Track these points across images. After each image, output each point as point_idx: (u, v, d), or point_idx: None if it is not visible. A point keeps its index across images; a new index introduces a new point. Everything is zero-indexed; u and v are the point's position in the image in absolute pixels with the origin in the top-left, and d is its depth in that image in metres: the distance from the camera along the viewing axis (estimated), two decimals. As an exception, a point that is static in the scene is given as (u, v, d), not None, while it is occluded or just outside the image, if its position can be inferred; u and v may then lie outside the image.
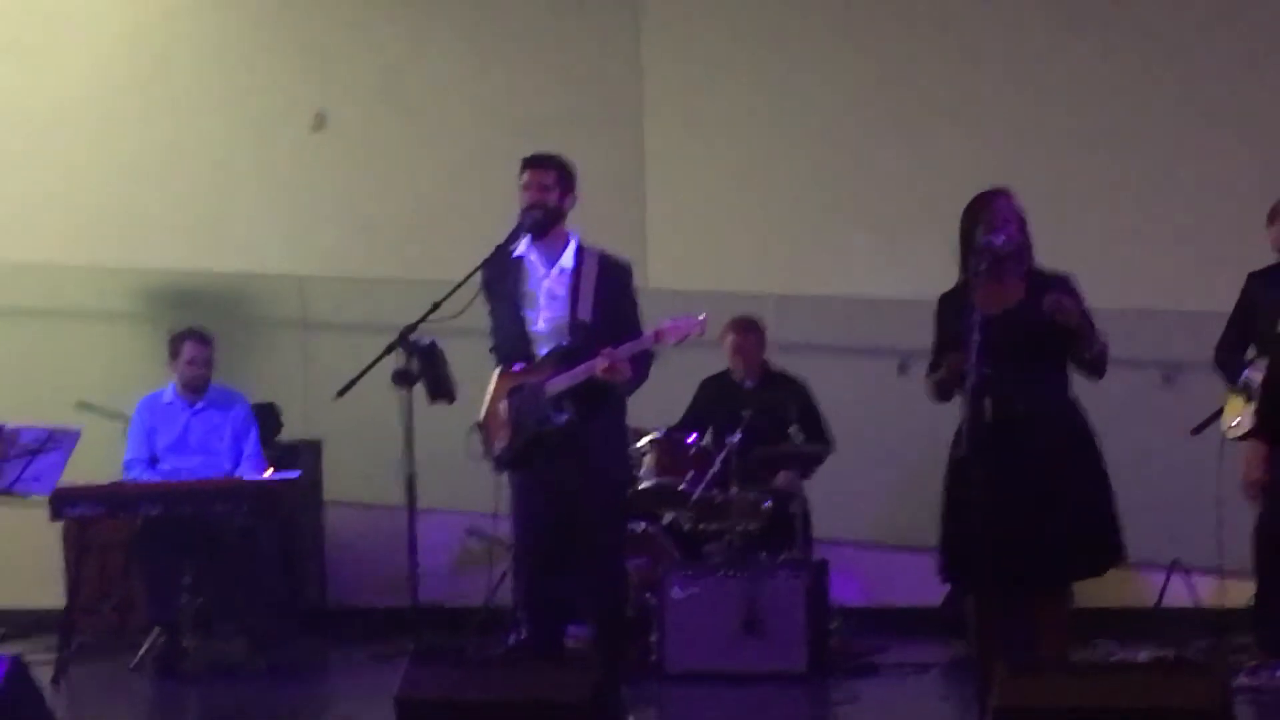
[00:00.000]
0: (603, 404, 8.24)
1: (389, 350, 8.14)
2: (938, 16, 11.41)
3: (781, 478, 10.38)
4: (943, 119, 11.34)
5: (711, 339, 10.34)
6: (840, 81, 11.55)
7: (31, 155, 12.28)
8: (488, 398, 8.40)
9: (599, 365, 8.05)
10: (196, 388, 10.86)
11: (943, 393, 7.82)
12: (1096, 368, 7.68)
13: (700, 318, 8.15)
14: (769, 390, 10.57)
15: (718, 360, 10.68)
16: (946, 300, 7.89)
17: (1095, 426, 7.85)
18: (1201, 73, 11.06)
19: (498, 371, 8.41)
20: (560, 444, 8.20)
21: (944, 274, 7.97)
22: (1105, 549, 7.75)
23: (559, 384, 8.16)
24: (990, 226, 7.63)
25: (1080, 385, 7.75)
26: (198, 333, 10.92)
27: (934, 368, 7.85)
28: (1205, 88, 11.03)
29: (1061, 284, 7.68)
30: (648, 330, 8.19)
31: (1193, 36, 11.07)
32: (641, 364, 8.26)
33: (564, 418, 8.17)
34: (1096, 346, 7.59)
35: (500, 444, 8.34)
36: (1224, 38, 11.03)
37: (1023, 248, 7.74)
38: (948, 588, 9.08)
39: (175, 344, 10.87)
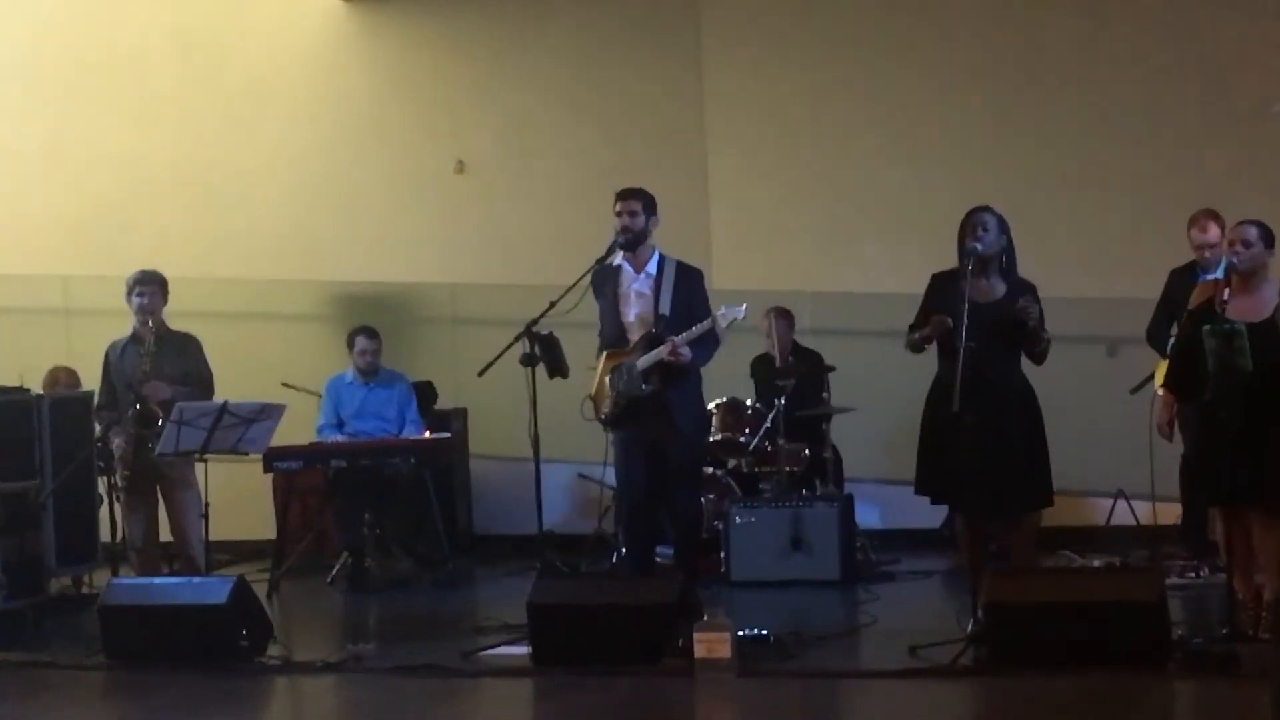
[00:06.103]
0: (679, 377, 8.17)
1: (517, 339, 8.18)
2: (933, 72, 11.23)
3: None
4: (934, 150, 11.17)
5: (757, 329, 10.44)
6: (857, 124, 11.34)
7: (247, 199, 12.19)
8: (597, 374, 8.36)
9: (665, 350, 8.06)
10: (368, 371, 10.82)
11: (917, 348, 7.68)
12: (1040, 359, 7.63)
13: (742, 307, 8.12)
14: (800, 363, 10.40)
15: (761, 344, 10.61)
16: (937, 278, 7.72)
17: (1059, 387, 7.76)
18: (1130, 126, 10.89)
19: (604, 354, 8.37)
20: (649, 408, 8.15)
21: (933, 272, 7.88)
22: (1042, 490, 7.63)
23: (645, 362, 8.12)
24: (974, 234, 7.53)
25: (1052, 355, 7.64)
26: (367, 329, 10.92)
27: (913, 328, 7.66)
28: (1131, 138, 10.88)
29: (1032, 290, 7.60)
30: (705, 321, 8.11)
31: (1138, 92, 10.91)
32: (705, 345, 8.17)
33: (649, 388, 8.12)
34: (1042, 345, 7.57)
35: (605, 409, 8.30)
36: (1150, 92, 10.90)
37: (1003, 249, 7.61)
38: (946, 513, 9.11)
39: (351, 338, 10.87)
